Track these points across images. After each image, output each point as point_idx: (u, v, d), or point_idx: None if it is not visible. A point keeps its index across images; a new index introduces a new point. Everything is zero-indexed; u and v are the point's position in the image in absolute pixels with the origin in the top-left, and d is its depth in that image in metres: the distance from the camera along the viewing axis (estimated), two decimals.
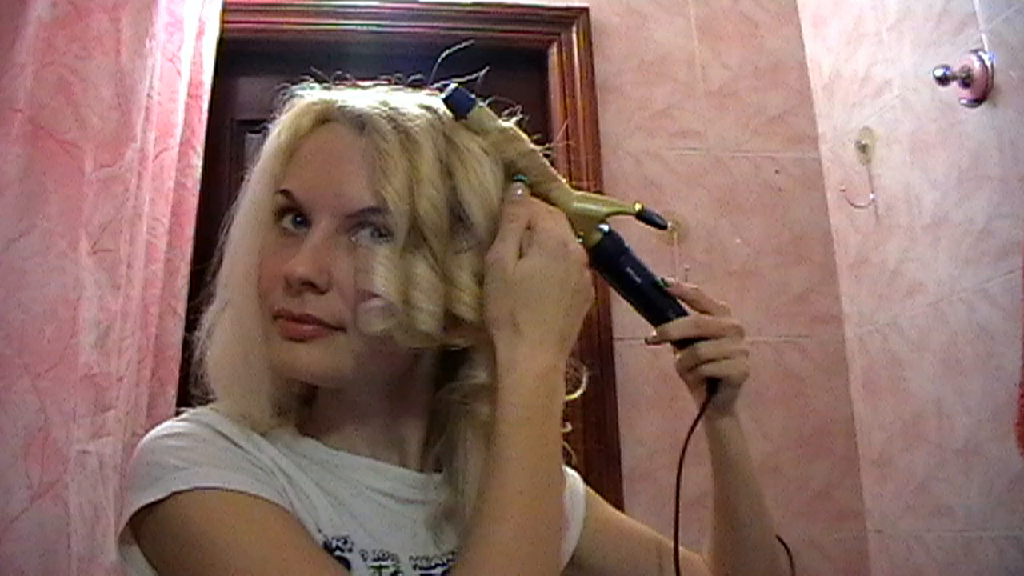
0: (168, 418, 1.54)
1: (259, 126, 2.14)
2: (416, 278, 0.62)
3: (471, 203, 0.65)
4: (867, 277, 1.94)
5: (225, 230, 0.72)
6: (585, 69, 2.00)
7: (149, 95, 1.46)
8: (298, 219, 0.66)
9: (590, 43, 2.03)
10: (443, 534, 0.69)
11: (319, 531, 0.63)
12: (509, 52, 2.02)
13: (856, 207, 1.94)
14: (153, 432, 0.65)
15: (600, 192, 1.92)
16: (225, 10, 1.78)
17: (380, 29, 1.94)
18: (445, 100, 0.68)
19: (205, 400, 0.71)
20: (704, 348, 0.79)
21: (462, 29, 1.99)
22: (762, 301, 1.99)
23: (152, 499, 0.59)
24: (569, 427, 0.69)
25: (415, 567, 0.66)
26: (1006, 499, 1.52)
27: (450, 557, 0.68)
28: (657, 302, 0.78)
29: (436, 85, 0.71)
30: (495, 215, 0.66)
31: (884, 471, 1.86)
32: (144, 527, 0.61)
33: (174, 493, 0.58)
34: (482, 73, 0.80)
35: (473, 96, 0.68)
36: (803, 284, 2.02)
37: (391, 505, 0.68)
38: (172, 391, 1.54)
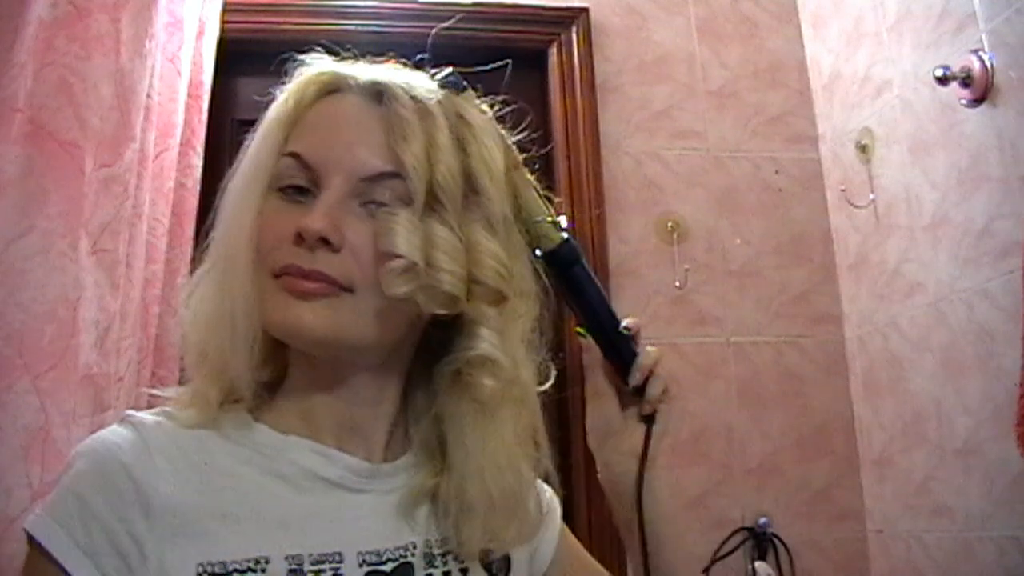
0: None
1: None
2: (438, 240, 0.63)
3: (481, 173, 0.66)
4: (867, 277, 1.94)
5: (221, 194, 0.71)
6: (585, 69, 2.00)
7: (149, 95, 1.46)
8: (302, 189, 0.65)
9: (590, 43, 2.03)
10: (412, 519, 0.68)
11: (220, 562, 0.60)
12: (509, 52, 2.01)
13: (856, 207, 1.94)
14: (88, 440, 0.64)
15: (600, 191, 1.92)
16: (225, 10, 1.78)
17: (380, 29, 1.94)
18: (442, 82, 0.69)
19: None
20: (654, 387, 0.76)
21: (462, 29, 1.99)
22: (762, 301, 1.99)
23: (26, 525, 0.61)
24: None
25: (362, 563, 0.64)
26: (1006, 499, 1.52)
27: (403, 551, 0.66)
28: (607, 324, 0.76)
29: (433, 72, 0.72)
30: (502, 185, 0.68)
31: (884, 471, 1.87)
32: None
33: (26, 530, 0.61)
34: (491, 67, 0.81)
35: (466, 83, 0.71)
36: (803, 284, 2.02)
37: (340, 495, 0.66)
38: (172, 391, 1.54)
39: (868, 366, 1.93)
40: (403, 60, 0.74)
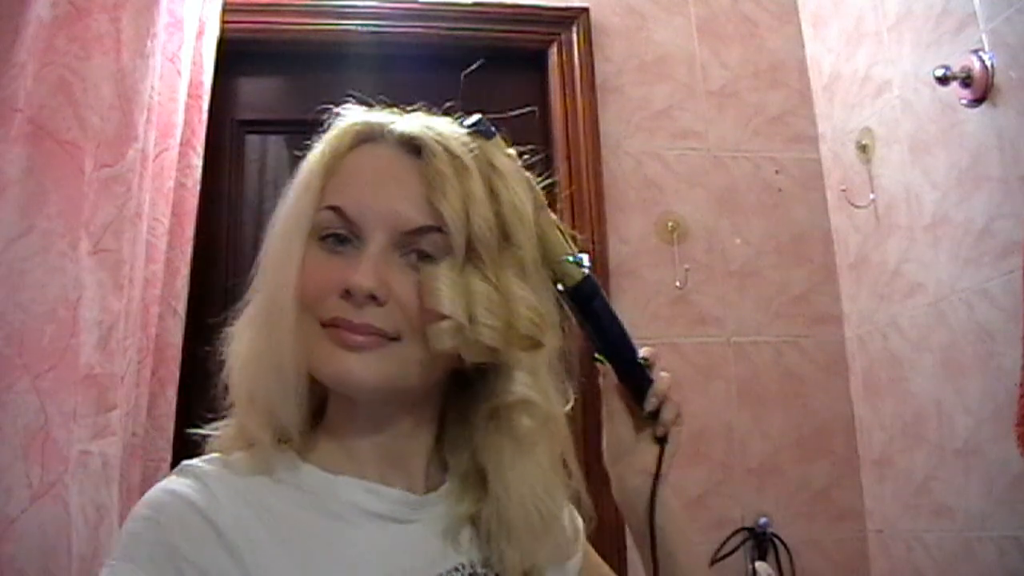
0: (167, 418, 1.54)
1: (259, 126, 2.15)
2: (477, 295, 0.66)
3: (513, 221, 0.69)
4: (867, 277, 1.94)
5: (264, 243, 0.73)
6: (585, 69, 2.00)
7: (149, 95, 1.46)
8: (342, 237, 0.68)
9: (590, 43, 2.03)
10: (457, 543, 0.71)
11: None
12: (509, 52, 2.02)
13: (856, 207, 1.94)
14: (149, 492, 0.66)
15: (600, 191, 1.92)
16: (225, 10, 1.78)
17: (380, 29, 1.94)
18: (471, 127, 0.72)
19: (213, 412, 0.72)
20: (668, 412, 0.80)
21: (462, 29, 1.99)
22: (762, 301, 1.99)
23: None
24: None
25: None
26: (1006, 499, 1.52)
27: (453, 572, 0.69)
28: (625, 353, 0.81)
29: (459, 117, 0.74)
30: (531, 230, 0.70)
31: (884, 471, 1.86)
32: None
33: None
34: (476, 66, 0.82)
35: (494, 128, 0.73)
36: (803, 284, 2.02)
37: (390, 527, 0.69)
38: (172, 391, 1.54)
39: (868, 366, 1.93)
40: (432, 106, 0.76)
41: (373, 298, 0.65)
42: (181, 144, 1.61)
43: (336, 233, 0.68)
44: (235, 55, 1.81)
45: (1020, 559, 1.49)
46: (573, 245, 0.76)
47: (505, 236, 0.68)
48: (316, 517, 0.67)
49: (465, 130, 0.72)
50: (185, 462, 0.69)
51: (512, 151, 0.73)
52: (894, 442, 1.83)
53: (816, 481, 1.91)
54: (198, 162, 1.66)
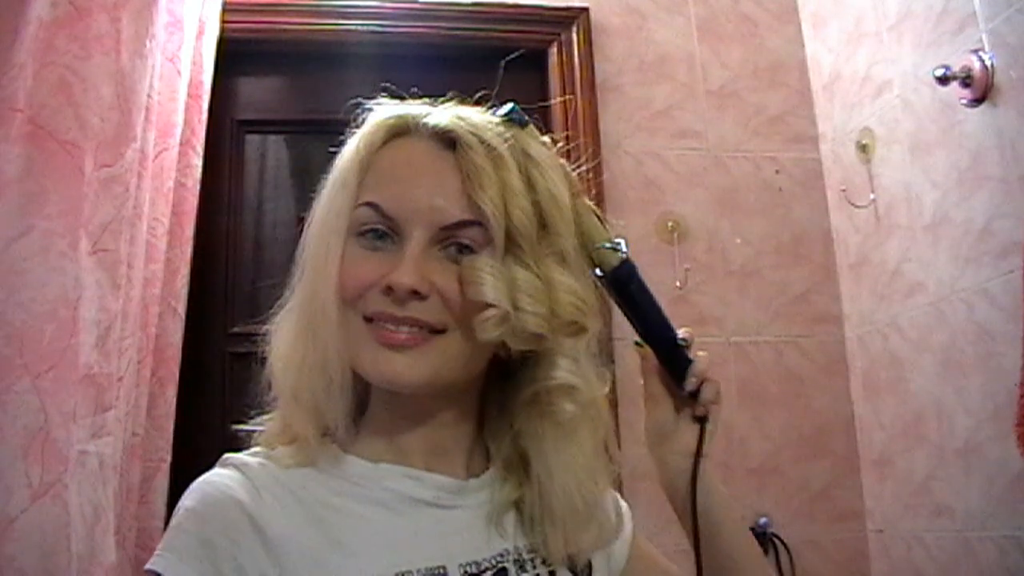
0: (167, 418, 1.54)
1: (259, 126, 2.15)
2: (520, 283, 0.66)
3: (551, 210, 0.69)
4: (867, 277, 1.93)
5: (303, 242, 0.73)
6: (585, 69, 2.00)
7: (149, 95, 1.46)
8: (380, 233, 0.68)
9: (590, 43, 2.03)
10: (502, 528, 0.72)
11: None
12: (509, 52, 2.02)
13: (856, 207, 1.94)
14: (195, 484, 0.67)
15: (600, 191, 1.92)
16: (225, 10, 1.78)
17: (380, 29, 1.94)
18: (505, 117, 0.71)
19: (257, 408, 0.73)
20: (708, 391, 0.80)
21: (462, 29, 1.99)
22: (762, 301, 1.99)
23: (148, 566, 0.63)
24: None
25: (464, 574, 0.68)
26: (1006, 499, 1.52)
27: (498, 558, 0.70)
28: (664, 334, 0.80)
29: (491, 107, 0.74)
30: (569, 217, 0.70)
31: (884, 471, 1.86)
32: None
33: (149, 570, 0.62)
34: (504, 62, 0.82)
35: (527, 116, 0.72)
36: (803, 284, 2.02)
37: (435, 513, 0.70)
38: (172, 391, 1.54)
39: (868, 366, 1.93)
40: (465, 97, 0.75)
41: (416, 293, 0.65)
42: (181, 144, 1.61)
43: (374, 228, 0.68)
44: (235, 55, 1.81)
45: (1020, 559, 1.49)
46: (607, 228, 0.75)
47: (543, 225, 0.68)
48: (359, 504, 0.68)
49: (498, 119, 0.71)
50: (228, 454, 0.70)
51: (546, 139, 0.73)
52: (894, 442, 1.83)
53: (816, 481, 1.91)
54: (198, 162, 1.66)
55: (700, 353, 0.80)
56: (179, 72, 1.60)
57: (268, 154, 1.96)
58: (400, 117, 0.71)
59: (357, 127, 0.73)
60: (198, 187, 1.65)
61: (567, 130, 1.94)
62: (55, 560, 1.15)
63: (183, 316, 1.58)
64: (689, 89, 2.09)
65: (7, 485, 1.15)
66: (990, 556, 1.55)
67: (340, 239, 0.68)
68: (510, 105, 0.72)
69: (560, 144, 0.75)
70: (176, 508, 0.66)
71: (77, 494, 1.21)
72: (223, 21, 1.77)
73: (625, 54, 2.08)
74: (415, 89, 0.77)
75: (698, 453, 0.79)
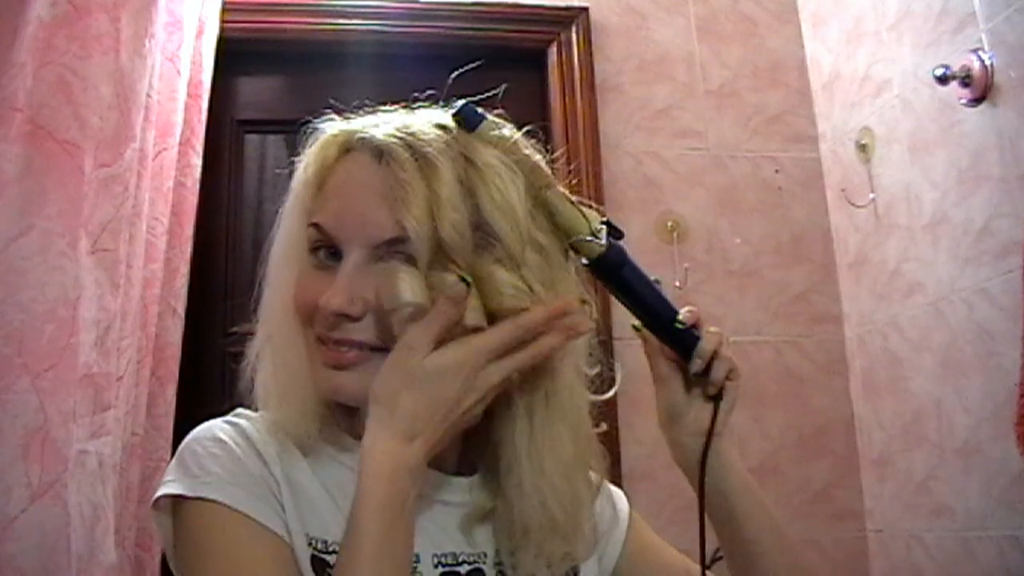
0: (167, 417, 1.54)
1: (259, 126, 2.14)
2: (444, 285, 0.63)
3: (496, 219, 0.65)
4: (867, 277, 1.93)
5: (263, 263, 0.74)
6: (585, 69, 2.00)
7: (148, 95, 1.46)
8: (331, 251, 0.68)
9: (590, 43, 2.03)
10: (474, 536, 0.71)
11: (318, 537, 0.66)
12: (509, 52, 2.02)
13: (856, 207, 1.94)
14: (204, 427, 0.70)
15: (600, 191, 1.92)
16: (225, 10, 1.78)
17: (380, 29, 1.94)
18: (454, 116, 0.68)
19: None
20: (719, 369, 0.78)
21: (462, 29, 1.99)
22: (762, 301, 1.99)
23: (177, 492, 0.65)
24: (604, 426, 0.73)
25: (437, 564, 0.68)
26: (1006, 499, 1.52)
27: (478, 558, 0.70)
28: (664, 316, 0.78)
29: (443, 104, 0.72)
30: (520, 226, 0.66)
31: (884, 471, 1.86)
32: (173, 507, 0.67)
33: (192, 497, 0.64)
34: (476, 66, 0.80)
35: (481, 110, 0.69)
36: (803, 284, 2.02)
37: (418, 507, 0.69)
38: (171, 390, 1.54)
39: (868, 366, 1.93)
40: (416, 100, 0.74)
41: (345, 316, 0.65)
42: (180, 143, 1.61)
43: (324, 247, 0.68)
44: (235, 55, 1.81)
45: (1020, 559, 1.49)
46: (592, 216, 0.72)
47: (487, 233, 0.65)
48: (344, 469, 0.70)
49: (445, 123, 0.69)
50: (240, 409, 0.73)
51: (507, 131, 0.70)
52: (894, 442, 1.83)
53: (816, 481, 1.91)
54: (197, 161, 1.66)
55: (711, 330, 0.78)
56: (179, 72, 1.60)
57: (268, 154, 1.96)
58: (345, 132, 0.71)
59: (307, 146, 0.72)
60: (198, 187, 1.65)
61: (567, 130, 1.94)
62: (55, 559, 1.15)
63: (183, 316, 1.58)
64: (689, 89, 2.09)
65: (7, 485, 1.15)
66: (990, 556, 1.55)
67: (294, 261, 0.70)
68: (461, 103, 0.69)
69: (526, 131, 0.72)
70: (188, 443, 0.68)
71: (77, 494, 1.21)
72: (223, 21, 1.77)
73: (625, 54, 2.08)
74: (416, 93, 0.76)
75: (710, 433, 0.78)
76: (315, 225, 0.68)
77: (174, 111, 1.58)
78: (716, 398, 0.79)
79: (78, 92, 1.31)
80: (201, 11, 1.70)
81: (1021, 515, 1.49)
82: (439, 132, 0.68)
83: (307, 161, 0.72)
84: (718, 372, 0.78)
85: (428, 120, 0.69)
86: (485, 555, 0.71)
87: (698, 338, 0.77)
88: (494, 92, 0.75)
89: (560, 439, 0.70)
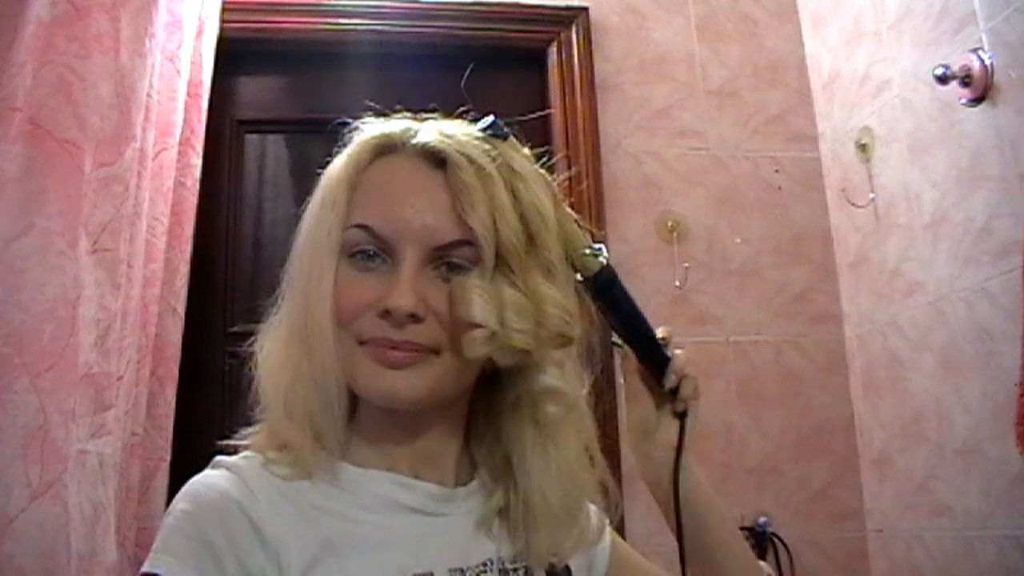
0: (167, 417, 1.54)
1: (259, 125, 2.14)
2: (507, 302, 0.67)
3: (537, 223, 0.69)
4: (867, 276, 1.94)
5: (289, 261, 0.73)
6: (585, 69, 2.00)
7: (148, 94, 1.46)
8: (371, 253, 0.68)
9: (590, 43, 2.03)
10: (489, 536, 0.72)
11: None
12: (509, 52, 2.02)
13: (856, 206, 1.94)
14: (187, 485, 0.67)
15: (600, 191, 1.92)
16: (225, 9, 1.78)
17: (380, 29, 1.95)
18: (486, 130, 0.71)
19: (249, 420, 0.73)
20: (686, 388, 0.82)
21: (462, 29, 1.99)
22: (762, 301, 1.99)
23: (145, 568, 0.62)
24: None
25: None
26: (1006, 499, 1.52)
27: (482, 567, 0.71)
28: (644, 334, 0.82)
29: (472, 119, 0.74)
30: (553, 229, 0.70)
31: (884, 471, 1.86)
32: None
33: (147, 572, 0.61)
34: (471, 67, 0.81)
35: (507, 129, 0.72)
36: (803, 283, 2.02)
37: (422, 520, 0.71)
38: (171, 390, 1.54)
39: (868, 365, 1.93)
40: (444, 110, 0.75)
41: (413, 316, 0.66)
42: (180, 143, 1.61)
43: (364, 250, 0.68)
44: (235, 54, 1.81)
45: (1020, 559, 1.49)
46: (588, 236, 0.76)
47: (530, 239, 0.69)
48: (348, 509, 0.69)
49: (480, 134, 0.71)
50: (219, 457, 0.70)
51: (527, 150, 0.73)
52: (894, 441, 1.83)
53: (816, 480, 1.91)
54: (197, 161, 1.66)
55: (677, 351, 0.82)
56: (179, 71, 1.60)
57: (268, 154, 1.96)
58: (387, 135, 0.72)
59: (343, 145, 0.73)
60: (198, 186, 1.65)
61: (567, 130, 1.94)
62: (55, 559, 1.15)
63: (183, 315, 1.58)
64: (689, 88, 2.09)
65: (6, 484, 1.15)
66: (990, 556, 1.55)
67: (332, 259, 0.69)
68: (490, 118, 0.72)
69: (540, 152, 0.75)
70: (168, 510, 0.66)
71: (77, 493, 1.21)
72: (223, 20, 1.77)
73: (625, 53, 2.08)
74: (399, 106, 0.77)
75: (679, 447, 0.82)
76: (363, 227, 0.68)
77: (174, 111, 1.58)
78: (683, 415, 0.83)
79: (78, 92, 1.31)
80: (201, 11, 1.70)
81: (1021, 515, 1.49)
82: (479, 141, 0.70)
83: (343, 160, 0.72)
84: (686, 390, 0.82)
85: (465, 130, 0.72)
86: (491, 561, 0.72)
87: (669, 357, 0.82)
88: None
89: (567, 441, 0.73)
